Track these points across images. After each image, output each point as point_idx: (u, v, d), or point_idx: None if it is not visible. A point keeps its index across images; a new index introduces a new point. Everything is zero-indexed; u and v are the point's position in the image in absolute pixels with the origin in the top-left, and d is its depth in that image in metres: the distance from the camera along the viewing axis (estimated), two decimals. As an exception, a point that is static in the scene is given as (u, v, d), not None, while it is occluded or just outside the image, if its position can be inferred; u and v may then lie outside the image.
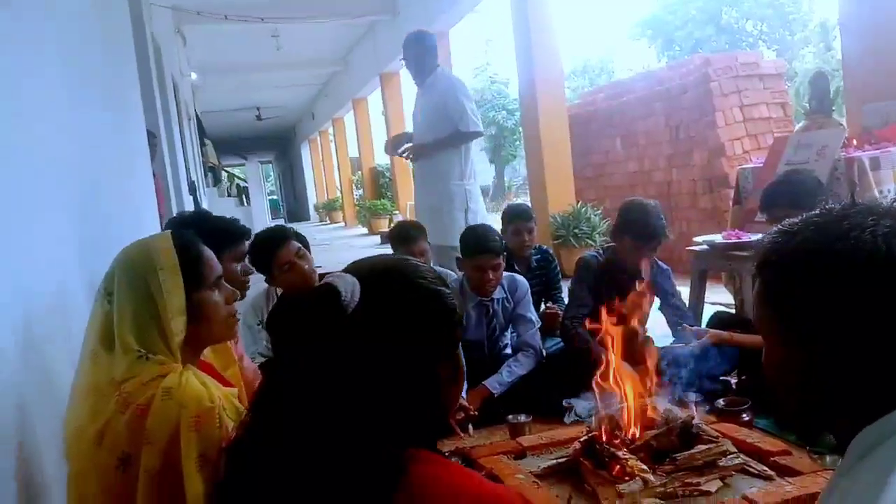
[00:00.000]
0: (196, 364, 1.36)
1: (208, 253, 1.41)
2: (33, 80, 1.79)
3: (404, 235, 3.45)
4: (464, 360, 1.04)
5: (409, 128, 4.76)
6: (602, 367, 2.24)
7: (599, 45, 29.44)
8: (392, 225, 3.86)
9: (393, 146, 4.85)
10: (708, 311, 3.63)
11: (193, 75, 11.81)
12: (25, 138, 1.62)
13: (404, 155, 4.66)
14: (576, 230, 6.45)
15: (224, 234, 2.12)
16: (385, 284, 0.96)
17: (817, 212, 0.84)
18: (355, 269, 0.98)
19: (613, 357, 2.25)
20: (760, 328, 0.88)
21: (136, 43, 4.60)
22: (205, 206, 8.53)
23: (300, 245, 2.86)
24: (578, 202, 6.81)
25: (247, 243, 2.34)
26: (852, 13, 4.40)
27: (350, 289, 0.92)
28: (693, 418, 2.15)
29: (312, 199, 25.76)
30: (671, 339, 3.04)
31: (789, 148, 3.84)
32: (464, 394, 2.76)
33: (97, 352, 1.26)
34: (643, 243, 2.99)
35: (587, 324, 2.71)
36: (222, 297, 1.41)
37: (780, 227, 0.86)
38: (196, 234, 1.44)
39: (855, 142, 3.76)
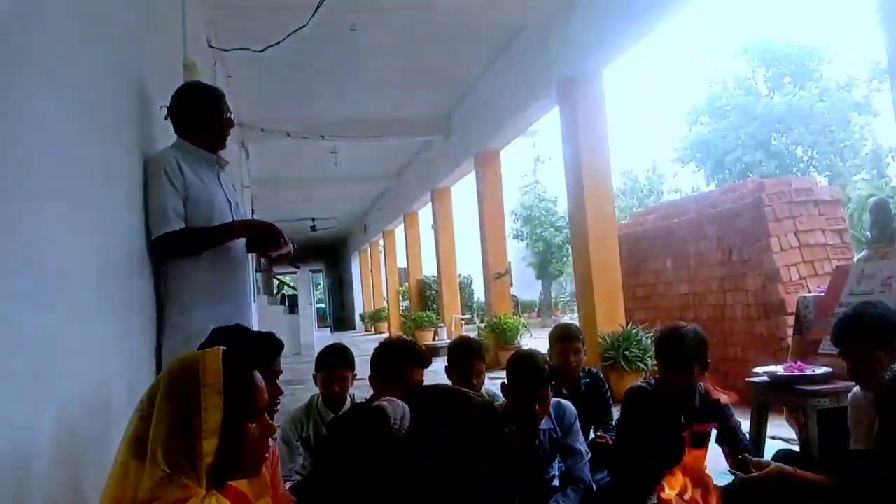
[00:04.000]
0: (223, 491, 1.28)
1: (259, 381, 1.34)
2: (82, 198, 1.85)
3: (473, 350, 3.39)
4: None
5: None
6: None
7: (646, 165, 29.90)
8: (453, 339, 3.79)
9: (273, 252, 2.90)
10: (770, 447, 3.39)
11: (253, 188, 12.31)
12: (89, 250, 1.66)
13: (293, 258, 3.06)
14: (626, 352, 6.26)
15: (262, 351, 1.96)
16: (435, 412, 0.92)
17: None
18: (409, 395, 0.95)
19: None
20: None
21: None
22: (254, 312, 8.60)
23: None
24: (629, 323, 6.66)
25: (281, 361, 2.22)
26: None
27: (400, 414, 0.89)
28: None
29: (359, 308, 25.94)
30: (727, 476, 2.82)
31: (852, 278, 3.70)
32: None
33: (128, 463, 1.21)
34: (681, 370, 2.80)
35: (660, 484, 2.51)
36: (258, 431, 1.32)
37: None
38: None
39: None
